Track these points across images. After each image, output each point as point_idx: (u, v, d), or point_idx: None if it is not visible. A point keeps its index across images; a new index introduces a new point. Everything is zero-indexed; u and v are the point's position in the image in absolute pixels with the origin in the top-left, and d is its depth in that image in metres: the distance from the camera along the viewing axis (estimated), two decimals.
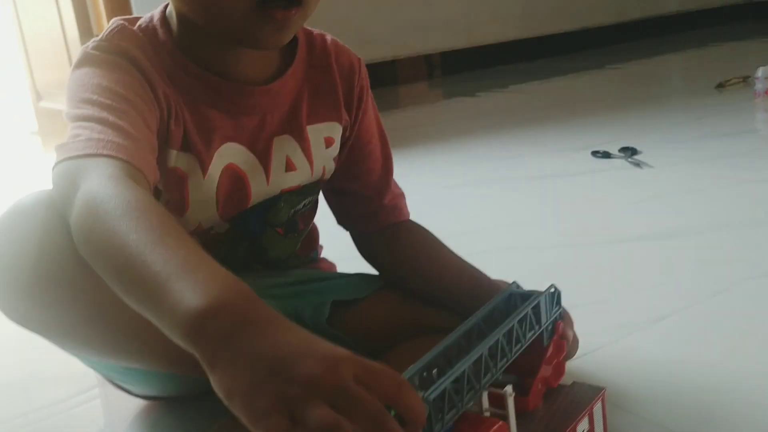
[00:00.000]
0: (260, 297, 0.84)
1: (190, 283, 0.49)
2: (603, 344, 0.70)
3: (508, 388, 0.58)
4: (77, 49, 2.12)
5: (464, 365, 0.54)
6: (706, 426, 0.73)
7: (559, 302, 0.69)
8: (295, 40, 0.81)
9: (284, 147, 0.80)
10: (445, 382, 0.52)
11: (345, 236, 0.95)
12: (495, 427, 0.55)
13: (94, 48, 0.72)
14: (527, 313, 0.63)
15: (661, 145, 1.90)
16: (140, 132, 0.67)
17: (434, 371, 0.56)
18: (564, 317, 0.70)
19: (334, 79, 0.83)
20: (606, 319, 0.93)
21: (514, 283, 0.69)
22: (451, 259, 0.89)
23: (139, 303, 0.52)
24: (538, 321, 0.65)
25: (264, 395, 0.42)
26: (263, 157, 0.80)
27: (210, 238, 0.82)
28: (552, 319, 0.68)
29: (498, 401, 0.59)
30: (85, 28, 2.08)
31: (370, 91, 0.87)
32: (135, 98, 0.69)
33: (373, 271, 0.93)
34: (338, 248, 0.98)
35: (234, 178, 0.79)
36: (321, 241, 0.99)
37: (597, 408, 0.68)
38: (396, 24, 3.32)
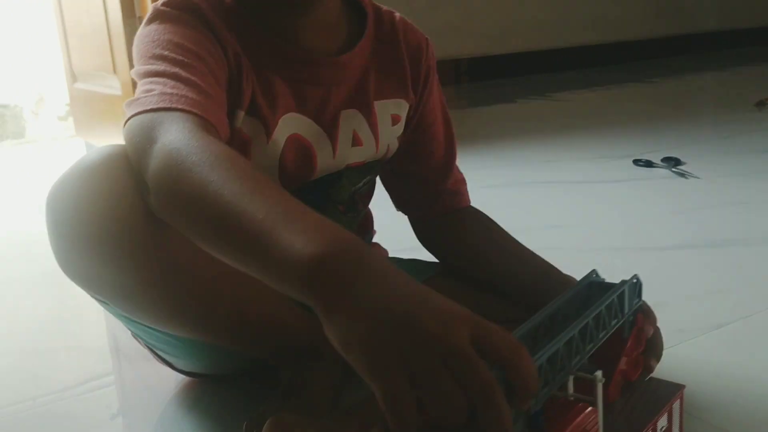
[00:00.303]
0: None
1: (299, 229, 0.47)
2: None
3: (599, 374, 0.56)
4: (119, 32, 2.13)
5: (558, 343, 0.52)
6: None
7: (640, 294, 0.66)
8: (364, 14, 0.79)
9: (352, 121, 0.79)
10: (541, 358, 0.50)
11: (397, 224, 0.92)
12: (586, 411, 0.53)
13: (165, 4, 0.71)
14: (613, 300, 0.61)
15: (703, 157, 1.88)
16: (212, 89, 0.65)
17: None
18: (646, 312, 0.68)
19: (402, 56, 0.81)
20: (662, 325, 0.91)
21: (593, 271, 0.67)
22: (518, 247, 0.87)
23: (242, 253, 0.50)
24: (622, 310, 0.63)
25: (386, 350, 0.41)
26: (330, 130, 0.78)
27: None
28: (633, 310, 0.66)
29: (584, 388, 0.57)
30: (129, 10, 2.07)
31: (436, 71, 0.86)
32: (206, 55, 0.67)
33: (427, 258, 0.91)
34: (390, 236, 0.96)
35: (300, 148, 0.76)
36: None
37: (676, 405, 0.65)
38: (426, 27, 3.31)
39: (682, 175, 1.72)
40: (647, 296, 0.71)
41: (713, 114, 2.70)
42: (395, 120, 0.82)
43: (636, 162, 1.84)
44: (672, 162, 1.80)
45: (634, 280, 0.66)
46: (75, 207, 0.65)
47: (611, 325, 0.61)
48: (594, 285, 0.66)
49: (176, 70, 0.64)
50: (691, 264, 1.20)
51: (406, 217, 0.93)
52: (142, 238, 0.64)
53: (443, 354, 0.41)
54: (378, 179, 0.91)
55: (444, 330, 0.41)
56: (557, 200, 1.61)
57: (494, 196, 1.63)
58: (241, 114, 0.72)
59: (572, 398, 0.56)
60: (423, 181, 0.89)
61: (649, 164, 1.81)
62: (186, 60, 0.65)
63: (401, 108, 0.82)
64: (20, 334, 1.07)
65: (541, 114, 2.75)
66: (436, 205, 0.89)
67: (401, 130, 0.84)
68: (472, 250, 0.87)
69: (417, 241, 0.93)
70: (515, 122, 2.58)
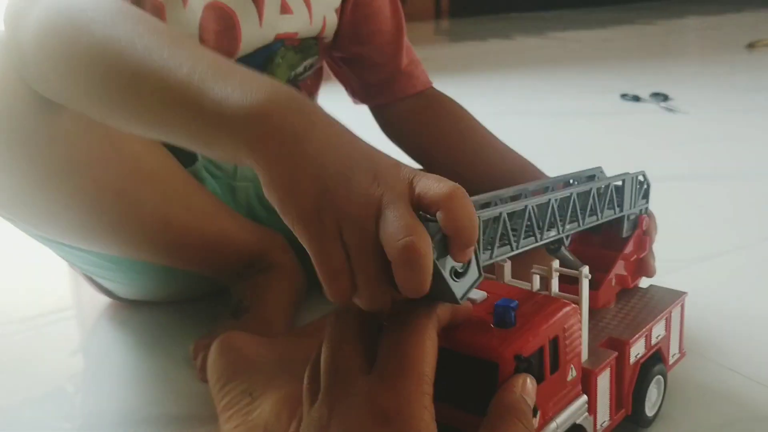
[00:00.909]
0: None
1: (233, 82, 0.40)
2: (649, 280, 0.63)
3: (584, 269, 0.50)
4: None
5: (528, 202, 0.47)
6: (750, 360, 0.68)
7: (646, 196, 0.61)
8: None
9: None
10: (503, 208, 0.44)
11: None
12: (566, 309, 0.46)
13: None
14: (609, 186, 0.55)
15: (692, 94, 1.84)
16: None
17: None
18: (650, 217, 0.62)
19: None
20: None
21: (599, 167, 0.61)
22: (489, 137, 0.81)
23: (162, 113, 0.43)
24: (621, 204, 0.57)
25: (325, 203, 0.36)
26: None
27: None
28: (636, 210, 0.60)
29: (570, 289, 0.51)
30: None
31: None
32: None
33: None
34: None
35: (222, 16, 0.69)
36: None
37: (675, 313, 0.60)
38: None
39: (670, 110, 1.68)
40: None
41: (705, 55, 2.66)
42: None
43: (623, 96, 1.80)
44: (660, 97, 1.76)
45: (641, 177, 0.60)
46: None
47: (604, 214, 0.55)
48: (598, 180, 0.59)
49: None
50: (679, 196, 1.16)
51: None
52: (32, 132, 0.56)
53: (375, 207, 0.36)
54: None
55: (379, 185, 0.37)
56: (542, 131, 1.56)
57: (487, 125, 1.59)
58: None
59: (555, 296, 0.50)
60: (374, 65, 0.82)
61: (636, 99, 1.78)
62: None
63: None
64: None
65: (529, 50, 2.71)
66: (392, 89, 0.83)
67: (338, 2, 0.77)
68: (437, 136, 0.81)
69: None
70: (505, 56, 2.52)
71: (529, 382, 0.41)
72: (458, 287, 0.39)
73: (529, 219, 0.47)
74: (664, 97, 1.76)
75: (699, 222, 1.06)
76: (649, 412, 0.57)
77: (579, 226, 0.52)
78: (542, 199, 0.48)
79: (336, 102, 0.91)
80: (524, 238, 0.47)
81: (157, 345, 0.74)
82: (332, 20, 0.77)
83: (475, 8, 3.46)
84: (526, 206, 0.46)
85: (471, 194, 0.41)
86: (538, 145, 1.40)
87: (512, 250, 0.45)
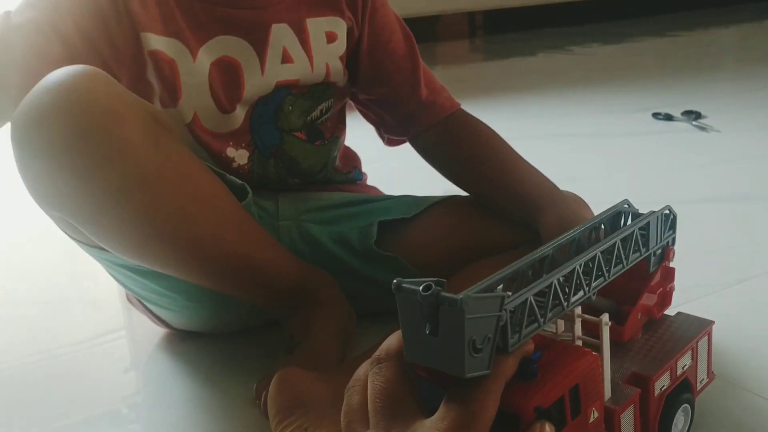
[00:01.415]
0: (304, 224, 0.83)
1: None
2: (678, 304, 0.65)
3: (604, 317, 0.53)
4: None
5: (552, 277, 0.49)
6: None
7: (673, 227, 0.63)
8: None
9: (282, 37, 0.78)
10: (528, 293, 0.46)
11: (388, 166, 0.92)
12: (586, 358, 0.49)
13: None
14: (634, 232, 0.57)
15: (724, 111, 1.81)
16: None
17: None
18: None
19: None
20: (681, 279, 0.88)
21: (625, 200, 0.63)
22: (510, 157, 0.83)
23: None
24: (646, 244, 0.59)
25: None
26: (259, 46, 0.77)
27: (237, 172, 0.80)
28: (663, 243, 0.62)
29: (592, 330, 0.54)
30: None
31: None
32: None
33: (423, 193, 0.88)
34: (383, 179, 0.95)
35: (227, 67, 0.76)
36: (365, 170, 0.95)
37: (702, 343, 0.62)
38: None
39: (702, 128, 1.66)
40: None
41: (736, 68, 2.59)
42: (331, 38, 0.81)
43: (655, 115, 1.77)
44: (692, 115, 1.73)
45: (666, 211, 0.62)
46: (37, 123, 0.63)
47: (630, 259, 0.57)
48: (624, 216, 0.62)
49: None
50: (711, 218, 1.16)
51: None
52: (107, 144, 0.63)
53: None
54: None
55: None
56: (574, 153, 1.56)
57: (518, 149, 1.58)
58: (150, 36, 0.73)
59: (579, 342, 0.53)
60: (396, 102, 0.86)
61: (668, 117, 1.75)
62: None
63: (337, 26, 0.81)
64: (34, 288, 1.06)
65: (560, 67, 2.67)
66: (416, 122, 0.87)
67: (342, 50, 0.82)
68: (463, 160, 0.84)
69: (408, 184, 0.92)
70: (534, 75, 2.50)
71: (548, 428, 0.44)
72: (471, 364, 0.41)
73: (555, 291, 0.48)
74: (697, 115, 1.73)
75: (731, 244, 1.06)
76: None
77: (605, 280, 0.54)
78: (568, 268, 0.50)
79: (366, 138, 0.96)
80: (551, 309, 0.48)
81: (212, 375, 0.78)
82: (336, 67, 0.82)
83: (508, 25, 3.42)
84: (551, 282, 0.48)
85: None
86: (572, 167, 1.43)
87: (540, 326, 0.47)
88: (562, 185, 0.83)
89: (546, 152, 1.55)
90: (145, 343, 0.87)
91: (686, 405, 0.60)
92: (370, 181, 0.97)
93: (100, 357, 0.85)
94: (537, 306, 0.47)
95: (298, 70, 0.79)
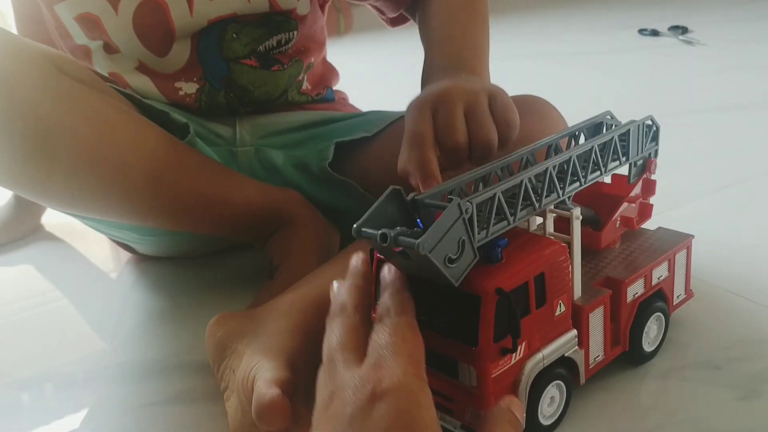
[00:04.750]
0: (263, 149, 0.79)
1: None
2: (662, 210, 0.64)
3: (576, 211, 0.52)
4: None
5: (523, 175, 0.48)
6: (764, 289, 0.69)
7: (656, 138, 0.61)
8: None
9: None
10: (497, 188, 0.46)
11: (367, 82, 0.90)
12: (554, 247, 0.48)
13: None
14: (613, 138, 0.56)
15: (711, 24, 1.81)
16: None
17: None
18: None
19: None
20: (666, 186, 0.88)
21: (607, 111, 0.61)
22: (463, 17, 0.72)
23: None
24: (626, 153, 0.58)
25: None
26: None
27: (185, 101, 0.78)
28: (644, 154, 0.61)
29: (565, 227, 0.53)
30: None
31: None
32: None
33: (394, 108, 0.82)
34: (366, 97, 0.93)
35: (153, 11, 0.73)
36: (345, 89, 0.92)
37: (680, 256, 0.62)
38: None
39: (689, 42, 1.67)
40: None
41: None
42: None
43: (641, 32, 1.79)
44: (679, 30, 1.75)
45: (648, 122, 0.60)
46: None
47: (608, 167, 0.56)
48: (604, 125, 0.61)
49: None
50: (695, 129, 1.17)
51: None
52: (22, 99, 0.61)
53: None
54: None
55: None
56: (564, 71, 1.55)
57: (504, 69, 1.57)
58: (67, 3, 0.72)
59: (551, 236, 0.52)
60: None
61: (655, 33, 1.77)
62: None
63: None
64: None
65: None
66: None
67: None
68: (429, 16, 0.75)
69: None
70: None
71: (515, 404, 0.42)
72: (453, 272, 0.42)
73: (526, 191, 0.48)
74: (683, 30, 1.74)
75: (717, 153, 1.07)
76: (648, 348, 0.59)
77: (581, 185, 0.53)
78: (539, 169, 0.49)
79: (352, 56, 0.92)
80: (522, 209, 0.48)
81: (183, 296, 0.78)
82: None
83: None
84: (522, 181, 0.47)
85: None
86: (557, 86, 1.40)
87: (509, 224, 0.47)
88: (555, 102, 0.80)
89: (532, 72, 1.55)
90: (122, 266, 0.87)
91: (659, 314, 0.59)
92: (353, 101, 0.93)
93: (85, 294, 0.85)
94: (506, 204, 0.46)
95: (230, 3, 0.75)
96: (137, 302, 0.79)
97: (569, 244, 0.52)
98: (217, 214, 0.71)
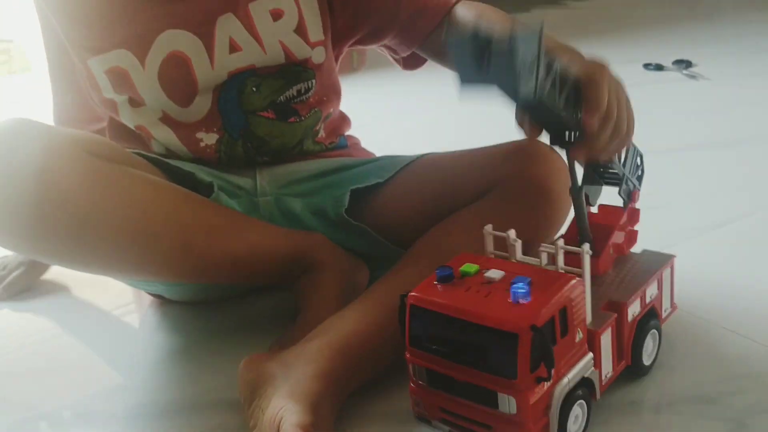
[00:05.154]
0: (282, 198, 0.84)
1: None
2: (661, 248, 0.70)
3: (586, 246, 0.58)
4: None
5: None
6: (757, 325, 0.74)
7: (640, 180, 0.69)
8: None
9: (227, 27, 0.78)
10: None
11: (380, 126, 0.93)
12: (572, 282, 0.55)
13: None
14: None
15: (716, 58, 1.85)
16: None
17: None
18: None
19: None
20: (665, 224, 0.92)
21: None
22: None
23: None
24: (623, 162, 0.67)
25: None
26: (207, 39, 0.77)
27: (206, 152, 0.82)
28: (630, 187, 0.68)
29: (574, 261, 0.59)
30: None
31: None
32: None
33: (407, 152, 0.87)
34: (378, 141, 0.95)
35: (178, 64, 0.77)
36: (360, 134, 0.94)
37: (666, 274, 0.68)
38: None
39: (692, 77, 1.71)
40: (652, 198, 0.73)
41: (732, 14, 2.60)
42: (276, 15, 0.79)
43: (646, 66, 1.82)
44: (683, 64, 1.79)
45: (638, 160, 0.68)
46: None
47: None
48: None
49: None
50: (697, 165, 1.20)
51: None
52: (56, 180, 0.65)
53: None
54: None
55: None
56: None
57: (507, 106, 1.61)
58: (99, 58, 0.78)
59: (562, 270, 0.58)
60: (388, 19, 0.83)
61: (659, 68, 1.80)
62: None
63: (280, 2, 0.79)
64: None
65: (553, 21, 2.70)
66: (415, 32, 0.83)
67: (293, 23, 0.80)
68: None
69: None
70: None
71: None
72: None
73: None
74: (687, 64, 1.78)
75: (715, 190, 1.10)
76: (646, 361, 0.66)
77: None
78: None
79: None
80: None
81: (206, 336, 0.81)
82: (294, 41, 0.80)
83: None
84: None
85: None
86: None
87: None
88: None
89: None
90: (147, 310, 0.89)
91: (654, 330, 0.66)
92: (365, 144, 0.95)
93: (109, 330, 0.87)
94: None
95: (248, 56, 0.79)
96: (160, 342, 0.82)
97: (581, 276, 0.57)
98: (245, 267, 0.75)
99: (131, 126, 0.82)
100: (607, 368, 0.60)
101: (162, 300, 0.88)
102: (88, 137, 0.69)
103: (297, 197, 0.84)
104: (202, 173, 0.79)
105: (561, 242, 0.58)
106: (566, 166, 0.62)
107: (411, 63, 0.88)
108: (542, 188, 0.72)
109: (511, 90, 0.51)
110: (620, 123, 0.61)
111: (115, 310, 0.90)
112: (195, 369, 0.76)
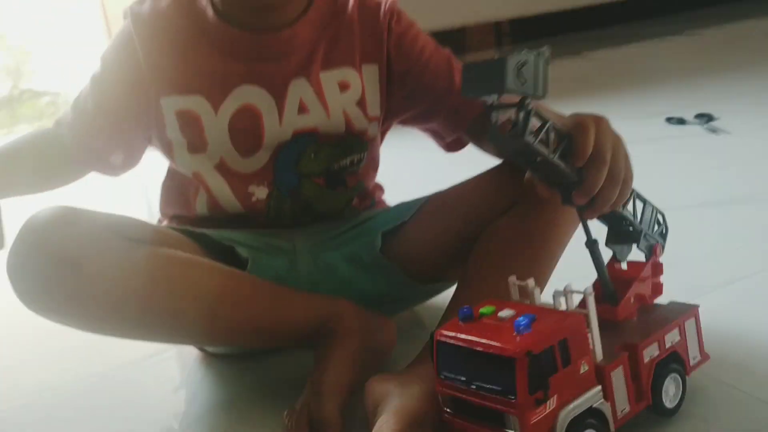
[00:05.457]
0: (321, 253, 0.93)
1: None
2: (688, 301, 0.72)
3: (588, 289, 0.65)
4: None
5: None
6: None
7: (663, 237, 0.77)
8: None
9: (299, 90, 0.86)
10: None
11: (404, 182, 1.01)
12: (572, 318, 0.62)
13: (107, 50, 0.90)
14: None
15: (739, 111, 1.83)
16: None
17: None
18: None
19: (353, 26, 0.88)
20: (679, 280, 0.90)
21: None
22: None
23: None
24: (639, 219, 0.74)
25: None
26: (279, 98, 0.86)
27: (255, 206, 0.90)
28: (652, 240, 0.75)
29: (582, 303, 0.66)
30: None
31: (402, 17, 0.91)
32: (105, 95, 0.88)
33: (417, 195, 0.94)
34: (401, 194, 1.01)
35: (249, 116, 0.86)
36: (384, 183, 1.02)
37: (690, 323, 0.73)
38: None
39: (713, 131, 1.71)
40: (667, 256, 0.77)
41: (757, 65, 2.51)
42: (344, 86, 0.88)
43: (669, 120, 1.83)
44: (704, 118, 1.78)
45: (659, 217, 0.76)
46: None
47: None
48: None
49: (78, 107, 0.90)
50: (712, 221, 1.21)
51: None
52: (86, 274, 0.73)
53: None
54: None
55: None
56: None
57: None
58: (175, 98, 0.85)
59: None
60: (439, 103, 0.90)
61: (681, 122, 1.81)
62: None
63: (348, 75, 0.88)
64: None
65: (574, 74, 2.67)
66: (467, 111, 0.90)
67: (356, 96, 0.88)
68: None
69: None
70: (552, 83, 2.55)
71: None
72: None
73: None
74: (709, 118, 1.78)
75: (736, 245, 1.11)
76: (669, 404, 0.70)
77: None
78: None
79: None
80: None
81: (249, 397, 0.86)
82: (355, 113, 0.88)
83: (532, 32, 3.43)
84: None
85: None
86: None
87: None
88: None
89: None
90: (193, 361, 0.96)
91: (676, 375, 0.71)
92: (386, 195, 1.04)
93: (151, 377, 0.94)
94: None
95: (314, 119, 0.87)
96: (205, 394, 0.88)
97: (587, 317, 0.65)
98: (269, 335, 0.83)
99: (185, 170, 0.89)
100: (623, 404, 0.66)
101: (203, 352, 0.96)
102: (124, 221, 0.79)
103: (332, 250, 0.91)
104: (241, 247, 0.86)
105: (590, 289, 0.66)
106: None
107: (454, 146, 0.95)
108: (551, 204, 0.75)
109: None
110: (616, 170, 0.67)
111: (154, 356, 0.97)
112: (236, 422, 0.81)
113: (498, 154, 0.87)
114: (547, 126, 0.63)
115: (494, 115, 0.62)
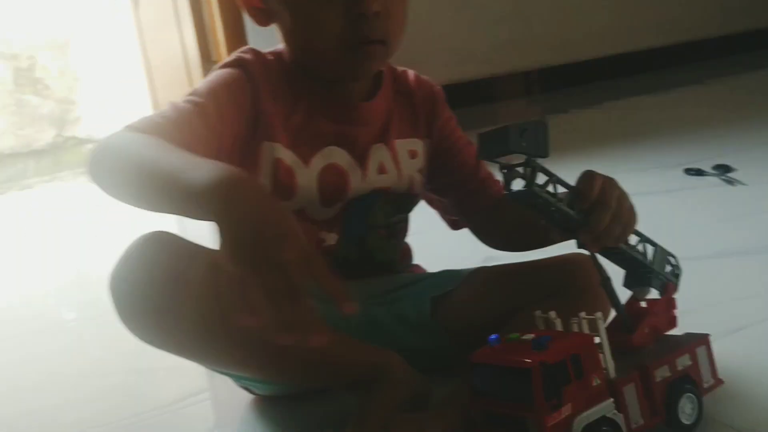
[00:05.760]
0: (370, 308, 1.04)
1: (203, 167, 0.68)
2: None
3: (598, 314, 0.76)
4: (197, 71, 2.52)
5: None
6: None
7: (676, 276, 0.88)
8: (380, 73, 1.02)
9: (379, 153, 0.98)
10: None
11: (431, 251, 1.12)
12: (582, 337, 0.73)
13: (224, 64, 0.93)
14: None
15: (758, 162, 1.86)
16: (190, 121, 0.85)
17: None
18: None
19: (416, 104, 1.02)
20: (689, 329, 0.93)
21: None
22: None
23: (157, 190, 0.71)
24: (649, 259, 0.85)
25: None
26: (362, 160, 0.97)
27: (326, 251, 1.00)
28: (663, 281, 0.85)
29: (613, 336, 0.77)
30: (205, 53, 2.46)
31: (447, 107, 1.06)
32: (216, 103, 0.88)
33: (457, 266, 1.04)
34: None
35: (336, 173, 0.95)
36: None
37: (701, 350, 0.83)
38: (493, 41, 3.30)
39: (729, 182, 1.75)
40: (681, 304, 0.84)
41: None
42: (412, 154, 1.01)
43: (687, 171, 1.87)
44: (722, 169, 1.82)
45: (672, 260, 0.88)
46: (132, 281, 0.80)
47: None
48: None
49: (176, 104, 0.87)
50: (726, 272, 1.25)
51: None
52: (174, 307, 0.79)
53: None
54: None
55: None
56: None
57: None
58: (277, 146, 0.92)
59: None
60: (463, 181, 1.05)
61: (699, 173, 1.84)
62: (194, 100, 0.87)
63: (416, 145, 1.02)
64: (123, 356, 1.16)
65: (594, 125, 2.71)
66: (479, 199, 1.06)
67: (420, 164, 1.02)
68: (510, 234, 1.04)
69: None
70: (567, 135, 2.45)
71: None
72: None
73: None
74: (726, 169, 1.81)
75: (741, 294, 1.15)
76: (685, 420, 0.79)
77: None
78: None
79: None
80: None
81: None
82: (417, 178, 1.01)
83: (559, 82, 3.48)
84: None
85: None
86: None
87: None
88: None
89: None
90: (227, 405, 0.99)
91: (690, 394, 0.80)
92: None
93: (186, 419, 0.96)
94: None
95: (390, 179, 0.98)
96: None
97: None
98: (327, 373, 0.89)
99: None
100: (636, 417, 0.75)
101: (248, 391, 1.00)
102: (215, 252, 0.87)
103: (381, 306, 1.01)
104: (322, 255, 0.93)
105: (583, 314, 0.77)
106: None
107: (459, 224, 1.10)
108: (591, 292, 0.87)
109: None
110: (620, 211, 0.77)
111: (189, 398, 1.01)
112: None
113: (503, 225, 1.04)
114: (552, 178, 0.76)
115: (507, 175, 0.75)
